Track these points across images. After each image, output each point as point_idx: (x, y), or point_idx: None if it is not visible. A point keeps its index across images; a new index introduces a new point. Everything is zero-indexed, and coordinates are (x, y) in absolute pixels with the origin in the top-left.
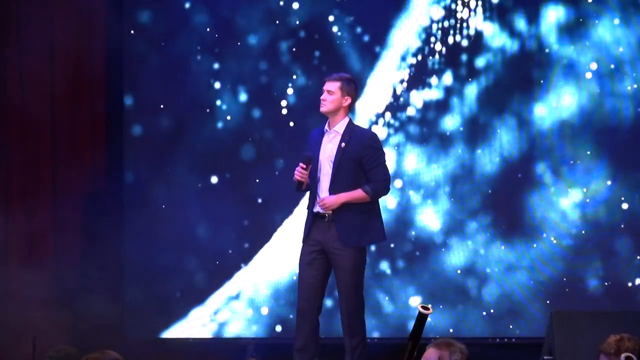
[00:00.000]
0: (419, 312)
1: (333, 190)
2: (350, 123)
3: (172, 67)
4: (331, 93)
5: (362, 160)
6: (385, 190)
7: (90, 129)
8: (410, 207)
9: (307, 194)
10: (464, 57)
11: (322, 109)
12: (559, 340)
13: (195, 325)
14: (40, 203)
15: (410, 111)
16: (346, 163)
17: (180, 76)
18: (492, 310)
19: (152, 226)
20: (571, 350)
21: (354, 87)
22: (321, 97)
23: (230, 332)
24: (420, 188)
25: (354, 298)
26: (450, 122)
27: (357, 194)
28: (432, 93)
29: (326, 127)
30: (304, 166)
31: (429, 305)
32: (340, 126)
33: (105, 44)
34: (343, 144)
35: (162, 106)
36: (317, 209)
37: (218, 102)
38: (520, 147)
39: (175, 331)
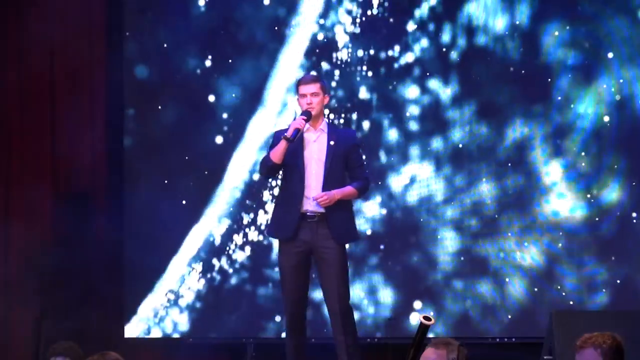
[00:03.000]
0: (421, 323)
1: (326, 188)
2: (329, 121)
3: (172, 69)
4: (316, 95)
5: (349, 158)
6: (368, 188)
7: (90, 130)
8: (410, 207)
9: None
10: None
11: (313, 112)
12: (559, 340)
13: (195, 324)
14: (40, 202)
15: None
16: (336, 161)
17: (180, 79)
18: (492, 310)
19: (152, 226)
20: (571, 350)
21: (327, 85)
22: (306, 102)
23: (230, 332)
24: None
25: (347, 295)
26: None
27: (349, 190)
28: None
29: (308, 126)
30: (305, 118)
31: (431, 316)
32: (323, 125)
33: (106, 47)
34: (332, 143)
35: (159, 107)
36: (306, 208)
37: (219, 104)
38: (527, 146)
39: (175, 331)
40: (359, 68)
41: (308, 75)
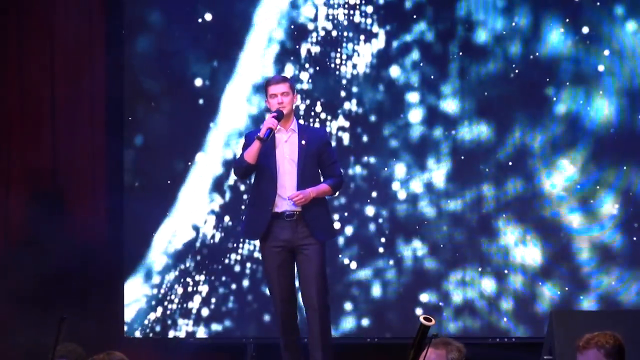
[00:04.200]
0: (421, 324)
1: (300, 187)
2: (299, 121)
3: (173, 70)
4: (286, 94)
5: (322, 156)
6: (341, 186)
7: (90, 131)
8: (410, 205)
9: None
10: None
11: (285, 111)
12: (559, 340)
13: (195, 324)
14: (40, 200)
15: None
16: (309, 160)
17: (181, 79)
18: (492, 310)
19: (153, 225)
20: (571, 350)
21: (295, 85)
22: (277, 102)
23: (230, 332)
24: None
25: (326, 292)
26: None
27: (323, 188)
28: None
29: (278, 126)
30: (276, 115)
31: (431, 317)
32: (294, 125)
33: (106, 48)
34: (303, 142)
35: (159, 108)
36: (282, 208)
37: (220, 102)
38: (527, 146)
39: (176, 331)
40: (357, 58)
41: (276, 76)
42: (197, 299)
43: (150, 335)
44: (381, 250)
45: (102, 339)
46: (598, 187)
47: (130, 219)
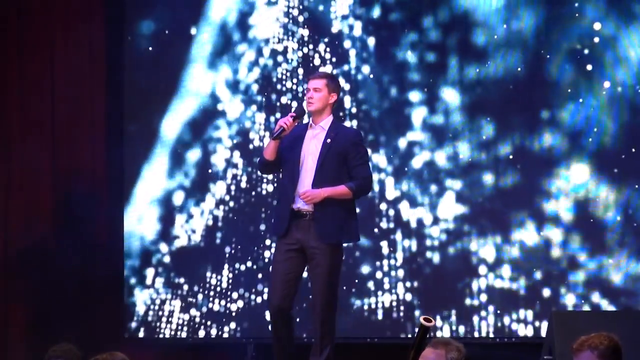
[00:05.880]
0: (421, 324)
1: (316, 185)
2: (335, 121)
3: (173, 71)
4: (318, 90)
5: (347, 156)
6: (368, 189)
7: (90, 132)
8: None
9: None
10: None
11: (311, 107)
12: (559, 340)
13: (195, 324)
14: (41, 199)
15: None
16: (331, 159)
17: (181, 81)
18: (492, 310)
19: (153, 227)
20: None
21: (338, 84)
22: (307, 96)
23: (230, 332)
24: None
25: (331, 296)
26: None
27: (341, 189)
28: None
29: (310, 122)
30: (294, 115)
31: (431, 318)
32: (326, 123)
33: (106, 49)
34: (329, 140)
35: (160, 107)
36: (298, 205)
37: (220, 102)
38: (528, 144)
39: (176, 331)
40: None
41: (317, 72)
42: (198, 299)
43: (151, 335)
44: (381, 248)
45: (102, 339)
46: (601, 186)
47: (131, 219)
